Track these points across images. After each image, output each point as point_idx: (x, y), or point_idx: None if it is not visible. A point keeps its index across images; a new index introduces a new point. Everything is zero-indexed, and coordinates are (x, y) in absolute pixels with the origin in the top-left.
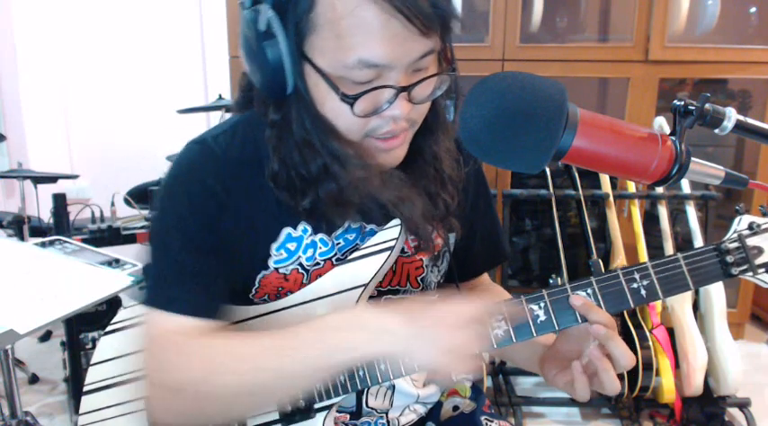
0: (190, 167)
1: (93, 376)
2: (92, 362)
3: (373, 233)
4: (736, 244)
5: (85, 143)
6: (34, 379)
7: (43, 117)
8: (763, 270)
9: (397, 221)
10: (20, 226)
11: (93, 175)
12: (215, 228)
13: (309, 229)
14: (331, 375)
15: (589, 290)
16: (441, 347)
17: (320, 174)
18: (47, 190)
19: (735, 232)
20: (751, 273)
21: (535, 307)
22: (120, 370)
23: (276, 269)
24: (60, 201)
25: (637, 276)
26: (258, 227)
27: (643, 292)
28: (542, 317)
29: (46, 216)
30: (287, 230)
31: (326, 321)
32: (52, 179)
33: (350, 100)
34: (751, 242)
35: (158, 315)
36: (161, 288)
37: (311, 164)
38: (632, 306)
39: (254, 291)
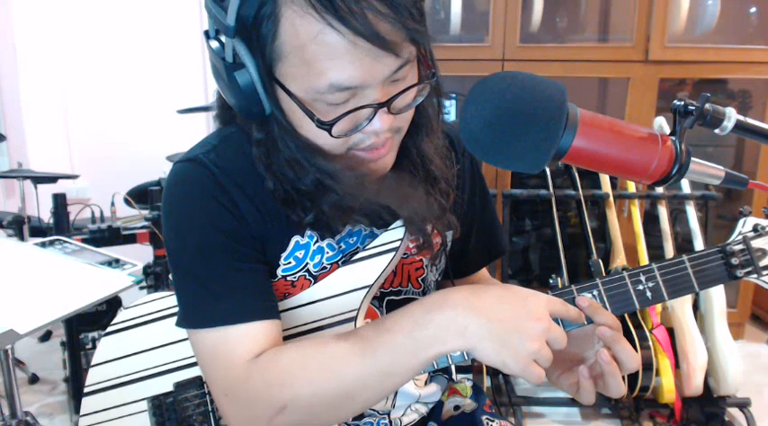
0: (194, 184)
1: (93, 377)
2: (92, 363)
3: (373, 235)
4: (740, 247)
5: (85, 143)
6: (34, 379)
7: (43, 117)
8: (767, 272)
9: (399, 222)
10: (20, 226)
11: (93, 175)
12: (238, 237)
13: (316, 236)
14: (420, 369)
15: (595, 292)
16: (519, 352)
17: (316, 188)
18: (47, 190)
19: (739, 234)
20: (755, 275)
21: None
22: (121, 371)
23: (284, 277)
24: (60, 201)
25: (642, 278)
26: (268, 238)
27: (648, 294)
28: None
29: (46, 216)
30: (295, 238)
31: (415, 316)
32: (52, 179)
33: (326, 126)
34: (755, 244)
35: (220, 333)
36: (212, 306)
37: (304, 179)
38: (638, 307)
39: None
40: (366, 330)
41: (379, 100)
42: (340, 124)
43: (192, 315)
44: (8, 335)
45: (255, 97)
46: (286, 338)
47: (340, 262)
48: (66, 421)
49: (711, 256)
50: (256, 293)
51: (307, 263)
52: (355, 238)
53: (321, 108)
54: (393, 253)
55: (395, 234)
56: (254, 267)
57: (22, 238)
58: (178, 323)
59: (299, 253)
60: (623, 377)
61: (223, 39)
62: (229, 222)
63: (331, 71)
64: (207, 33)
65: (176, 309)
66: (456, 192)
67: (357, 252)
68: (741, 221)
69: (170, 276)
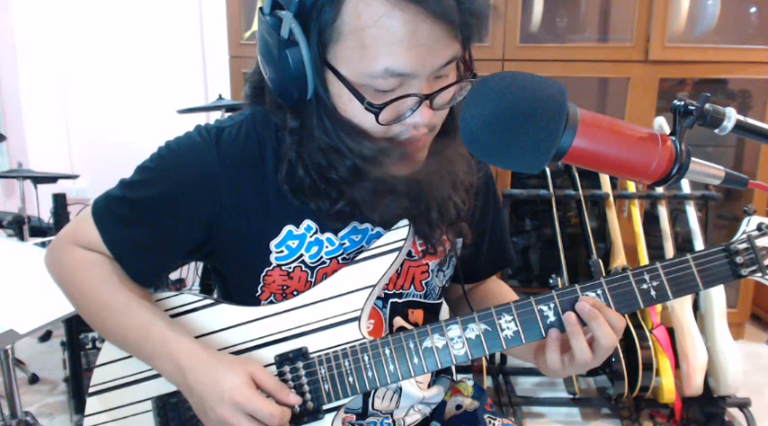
0: (188, 153)
1: (98, 377)
2: (97, 363)
3: (379, 235)
4: (745, 245)
5: (85, 143)
6: (34, 379)
7: (43, 117)
8: None
9: (405, 222)
10: (20, 226)
11: (93, 175)
12: (177, 213)
13: (315, 227)
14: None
15: (599, 291)
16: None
17: (351, 175)
18: (47, 190)
19: (744, 233)
20: (760, 274)
21: (545, 308)
22: (126, 372)
23: (279, 265)
24: (60, 201)
25: (647, 277)
26: (254, 225)
27: (653, 293)
28: (552, 318)
29: (46, 216)
30: (288, 227)
31: (180, 343)
32: (52, 179)
33: (375, 109)
34: (760, 243)
35: (96, 237)
36: (117, 225)
37: (340, 167)
38: (642, 307)
39: (259, 290)
40: (164, 326)
41: (424, 91)
42: (386, 111)
43: (103, 213)
44: (8, 335)
45: (302, 77)
46: (292, 337)
47: (340, 259)
48: (67, 421)
49: (716, 255)
50: (148, 256)
51: (301, 254)
52: (360, 236)
53: (368, 93)
54: (397, 253)
55: (399, 233)
56: (168, 245)
57: (22, 238)
58: (94, 203)
59: (293, 243)
60: (623, 376)
61: (281, 14)
62: (186, 195)
63: (387, 56)
64: (262, 10)
65: (181, 309)
66: (472, 201)
67: (361, 252)
68: (745, 220)
69: (169, 275)
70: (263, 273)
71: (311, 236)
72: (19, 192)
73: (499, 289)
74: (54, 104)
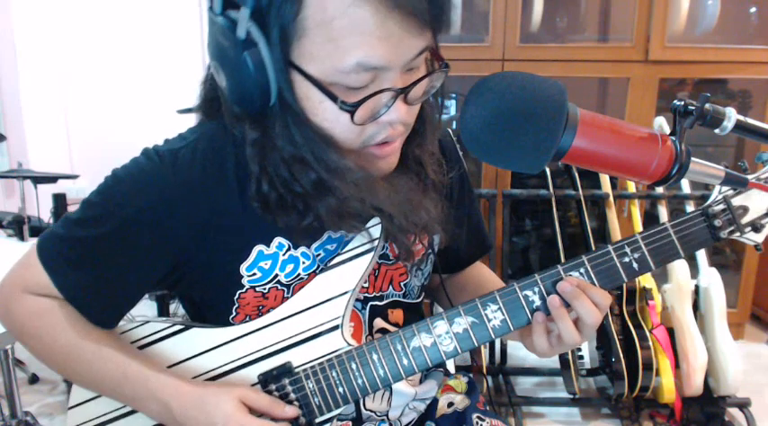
0: (140, 180)
1: (74, 419)
2: (70, 404)
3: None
4: (722, 206)
5: (85, 143)
6: (34, 379)
7: (43, 117)
8: (749, 228)
9: (376, 220)
10: (20, 226)
11: (93, 175)
12: (137, 247)
13: (287, 244)
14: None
15: (582, 270)
16: None
17: (315, 189)
18: (47, 190)
19: (720, 193)
20: (738, 233)
21: (530, 293)
22: (102, 410)
23: (252, 287)
24: (60, 201)
25: (627, 250)
26: (222, 248)
27: (635, 265)
28: (537, 302)
29: (46, 216)
30: (258, 248)
31: (161, 381)
32: (52, 179)
33: (350, 108)
34: (736, 201)
35: (45, 280)
36: (67, 267)
37: (303, 180)
38: (626, 280)
39: (234, 312)
40: (140, 365)
41: (398, 85)
42: (361, 109)
43: (51, 255)
44: (8, 335)
45: (263, 82)
46: (273, 353)
47: (318, 271)
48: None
49: (694, 220)
50: (107, 297)
51: (276, 275)
52: (335, 244)
53: (340, 91)
54: (372, 254)
55: (372, 233)
56: (130, 282)
57: (22, 238)
58: (39, 245)
59: (265, 264)
60: (623, 376)
61: (234, 14)
62: (142, 228)
63: (358, 49)
64: (212, 9)
65: (150, 339)
66: (444, 201)
67: (335, 258)
68: None
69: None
70: (237, 296)
71: (284, 254)
72: (19, 192)
73: (479, 272)
74: (54, 104)
